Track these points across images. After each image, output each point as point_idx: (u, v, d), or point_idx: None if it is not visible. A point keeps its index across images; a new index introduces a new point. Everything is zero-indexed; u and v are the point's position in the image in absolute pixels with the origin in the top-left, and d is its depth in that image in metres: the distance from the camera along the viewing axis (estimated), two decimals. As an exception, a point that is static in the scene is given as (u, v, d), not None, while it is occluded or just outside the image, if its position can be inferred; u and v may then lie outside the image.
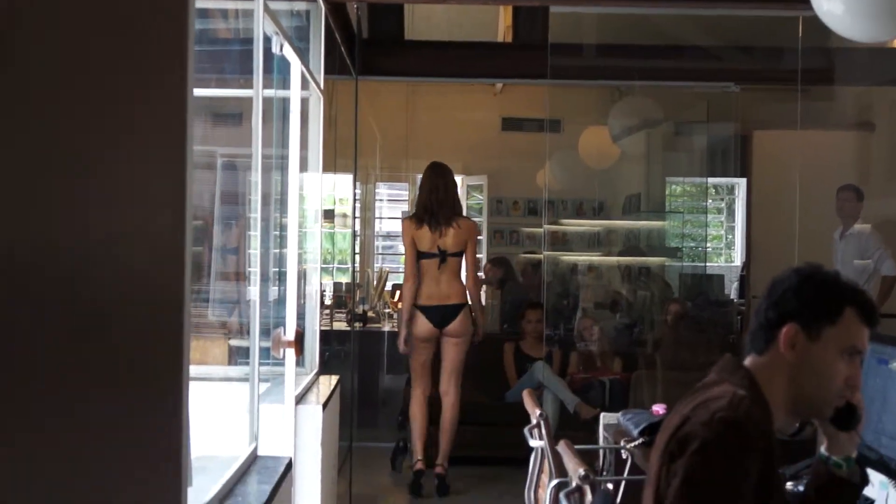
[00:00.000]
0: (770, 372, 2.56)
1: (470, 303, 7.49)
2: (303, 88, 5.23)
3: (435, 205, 7.41)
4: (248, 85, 3.97)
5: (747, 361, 2.61)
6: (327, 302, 9.03)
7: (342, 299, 9.72)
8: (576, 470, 3.34)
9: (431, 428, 7.46)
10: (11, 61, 1.58)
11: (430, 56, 9.10)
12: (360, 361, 8.68)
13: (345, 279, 10.29)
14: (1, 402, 1.55)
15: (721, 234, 13.05)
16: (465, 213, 8.09)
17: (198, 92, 2.83)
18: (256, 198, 4.13)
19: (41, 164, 1.72)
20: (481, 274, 10.43)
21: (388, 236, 12.59)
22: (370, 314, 9.78)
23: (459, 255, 7.41)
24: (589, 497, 3.19)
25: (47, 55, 1.75)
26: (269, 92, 4.56)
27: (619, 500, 4.34)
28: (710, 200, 12.29)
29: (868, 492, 3.17)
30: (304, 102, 5.41)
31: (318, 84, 5.91)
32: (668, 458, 2.40)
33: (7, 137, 1.56)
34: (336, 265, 10.59)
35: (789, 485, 3.46)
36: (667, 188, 11.97)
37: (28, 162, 1.67)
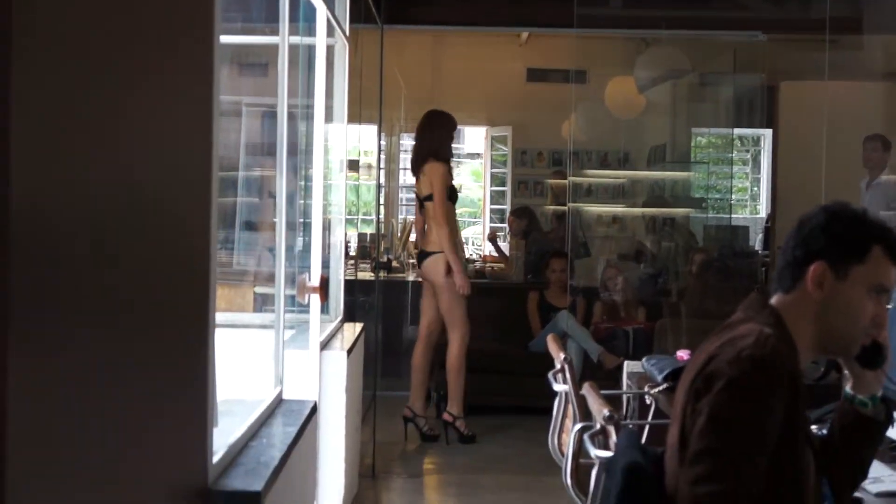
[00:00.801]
0: (797, 310, 2.55)
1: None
2: (328, 36, 5.23)
3: (412, 153, 7.85)
4: (275, 32, 3.98)
5: (774, 300, 2.60)
6: (352, 253, 9.06)
7: (366, 249, 9.75)
8: (600, 411, 3.36)
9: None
10: (45, 10, 1.61)
11: (457, 5, 9.06)
12: (385, 311, 8.73)
13: (369, 230, 10.32)
14: (39, 338, 1.59)
15: (746, 186, 13.02)
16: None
17: (224, 39, 2.86)
18: (282, 148, 4.14)
19: (73, 111, 1.75)
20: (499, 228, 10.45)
21: (412, 188, 12.60)
22: (395, 264, 9.81)
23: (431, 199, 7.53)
24: (613, 438, 3.21)
25: (78, 3, 1.77)
26: (295, 39, 4.57)
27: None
28: (736, 152, 12.26)
29: (892, 431, 3.19)
30: (330, 51, 5.42)
31: (343, 32, 5.91)
32: (694, 396, 2.41)
33: (42, 83, 1.59)
34: (361, 217, 10.60)
35: (814, 428, 3.48)
36: (692, 139, 11.92)
37: (61, 108, 1.69)
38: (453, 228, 7.66)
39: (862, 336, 2.59)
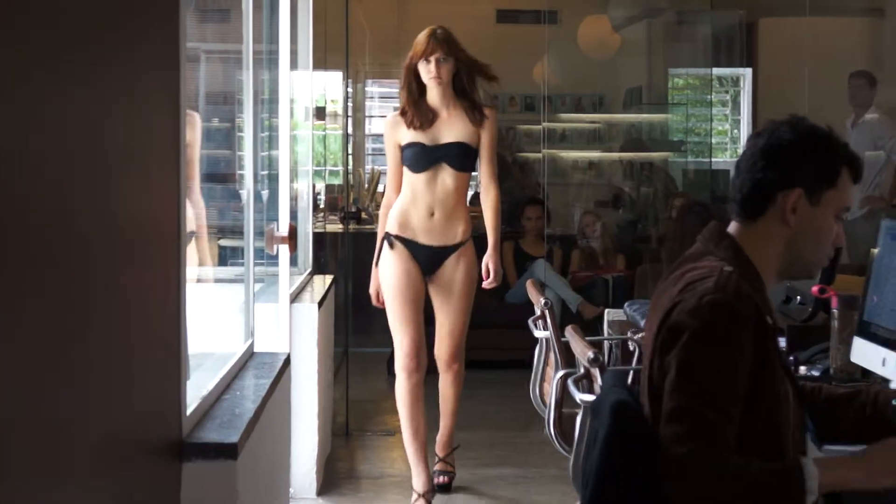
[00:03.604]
0: (763, 239, 2.57)
1: None
2: (291, -24, 5.22)
3: None
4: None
5: (733, 228, 2.60)
6: (321, 206, 9.05)
7: (335, 202, 9.74)
8: (584, 353, 3.37)
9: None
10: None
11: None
12: (354, 264, 8.73)
13: (337, 181, 10.32)
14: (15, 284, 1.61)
15: (726, 129, 13.05)
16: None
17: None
18: (247, 97, 4.14)
19: (44, 58, 1.76)
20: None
21: (379, 137, 12.59)
22: (363, 216, 9.81)
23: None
24: (599, 382, 3.24)
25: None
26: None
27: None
28: (715, 93, 12.25)
29: (882, 370, 3.25)
30: (293, -8, 5.40)
31: (306, -27, 5.89)
32: (660, 349, 2.44)
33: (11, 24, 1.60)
34: (329, 168, 10.59)
35: (803, 369, 3.54)
36: (669, 80, 11.92)
37: (31, 53, 1.70)
38: None
39: (826, 258, 2.63)
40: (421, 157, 5.37)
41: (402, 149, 5.39)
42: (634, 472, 2.44)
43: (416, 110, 5.36)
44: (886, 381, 3.23)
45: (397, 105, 5.77)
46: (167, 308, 2.63)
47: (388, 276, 5.43)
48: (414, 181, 5.41)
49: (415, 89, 5.38)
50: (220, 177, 5.24)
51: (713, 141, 11.92)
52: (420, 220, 5.40)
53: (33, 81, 1.71)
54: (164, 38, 2.61)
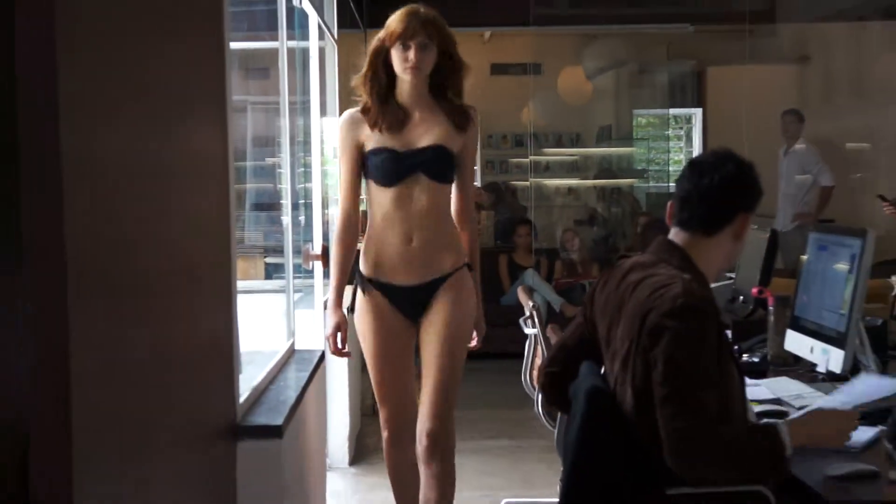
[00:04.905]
0: (713, 250, 2.56)
1: None
2: (319, 39, 5.24)
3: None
4: (275, 38, 3.99)
5: (682, 240, 2.57)
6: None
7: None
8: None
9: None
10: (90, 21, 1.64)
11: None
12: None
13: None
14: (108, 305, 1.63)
15: (681, 159, 13.02)
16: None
17: (233, 45, 2.88)
18: (285, 139, 4.16)
19: (114, 119, 1.78)
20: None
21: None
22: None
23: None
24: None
25: (117, 18, 1.81)
26: (292, 43, 4.59)
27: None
28: (671, 129, 12.27)
29: (811, 356, 3.26)
30: (321, 52, 5.43)
31: (332, 36, 5.92)
32: (643, 349, 2.42)
33: (87, 82, 1.62)
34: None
35: (745, 356, 3.56)
36: (634, 119, 11.94)
37: (104, 104, 1.73)
38: None
39: None
40: (391, 167, 3.48)
41: (366, 156, 3.54)
42: (605, 445, 2.46)
43: (384, 108, 3.51)
44: (814, 364, 3.25)
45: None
46: (222, 316, 2.65)
47: (365, 331, 3.60)
48: (382, 200, 3.52)
49: (383, 81, 3.52)
50: (266, 206, 5.26)
51: (671, 169, 11.93)
52: (395, 251, 3.52)
53: (123, 133, 1.73)
54: (215, 92, 2.63)
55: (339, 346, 3.64)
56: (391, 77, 3.54)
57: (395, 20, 3.50)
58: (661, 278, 2.46)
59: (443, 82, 3.56)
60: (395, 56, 3.48)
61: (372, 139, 3.52)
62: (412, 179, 3.50)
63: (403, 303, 3.57)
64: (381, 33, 3.53)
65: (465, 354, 3.66)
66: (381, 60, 3.52)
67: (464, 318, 3.60)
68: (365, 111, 3.56)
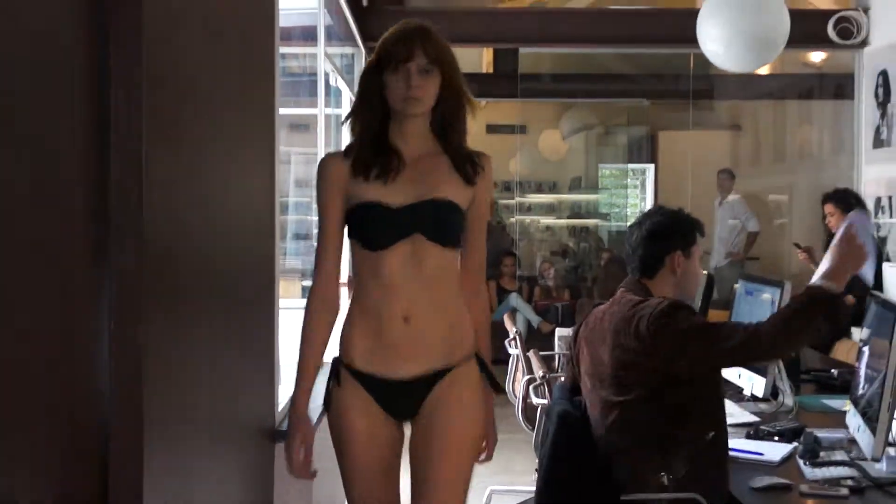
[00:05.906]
0: (662, 286, 2.51)
1: None
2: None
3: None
4: (314, 105, 3.99)
5: (642, 280, 2.54)
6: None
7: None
8: (538, 370, 3.38)
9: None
10: (175, 93, 1.61)
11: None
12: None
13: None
14: (169, 324, 1.60)
15: (637, 203, 13.02)
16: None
17: (281, 111, 2.86)
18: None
19: (187, 163, 1.76)
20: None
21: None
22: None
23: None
24: (549, 388, 3.22)
25: (191, 91, 1.78)
26: (328, 110, 4.58)
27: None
28: (629, 180, 12.27)
29: (738, 381, 3.21)
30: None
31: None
32: (651, 338, 2.32)
33: (167, 149, 1.60)
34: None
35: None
36: (599, 172, 11.97)
37: (180, 164, 1.70)
38: None
39: (697, 287, 2.63)
40: (382, 226, 2.12)
41: (351, 210, 2.15)
42: (572, 460, 2.42)
43: (375, 149, 2.14)
44: (741, 388, 3.19)
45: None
46: (266, 330, 2.61)
47: (343, 435, 2.20)
48: (370, 267, 2.14)
49: (378, 115, 2.14)
50: (303, 236, 5.23)
51: (628, 212, 11.92)
52: (385, 334, 2.13)
53: (197, 184, 1.71)
54: (265, 146, 2.61)
55: (301, 465, 2.20)
56: (385, 112, 2.15)
57: (389, 39, 2.13)
58: (637, 299, 2.43)
59: (445, 119, 2.19)
60: (390, 83, 2.11)
61: (358, 190, 2.13)
62: (408, 242, 2.10)
63: (392, 400, 2.17)
64: (373, 55, 2.16)
65: (472, 472, 2.20)
66: (372, 90, 2.14)
67: (472, 424, 2.19)
68: (349, 153, 2.17)
